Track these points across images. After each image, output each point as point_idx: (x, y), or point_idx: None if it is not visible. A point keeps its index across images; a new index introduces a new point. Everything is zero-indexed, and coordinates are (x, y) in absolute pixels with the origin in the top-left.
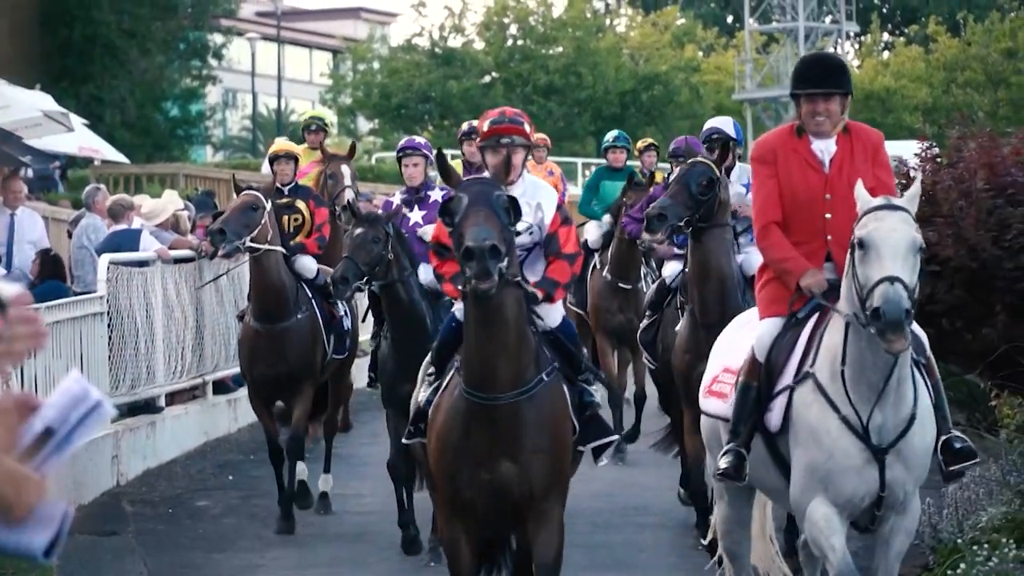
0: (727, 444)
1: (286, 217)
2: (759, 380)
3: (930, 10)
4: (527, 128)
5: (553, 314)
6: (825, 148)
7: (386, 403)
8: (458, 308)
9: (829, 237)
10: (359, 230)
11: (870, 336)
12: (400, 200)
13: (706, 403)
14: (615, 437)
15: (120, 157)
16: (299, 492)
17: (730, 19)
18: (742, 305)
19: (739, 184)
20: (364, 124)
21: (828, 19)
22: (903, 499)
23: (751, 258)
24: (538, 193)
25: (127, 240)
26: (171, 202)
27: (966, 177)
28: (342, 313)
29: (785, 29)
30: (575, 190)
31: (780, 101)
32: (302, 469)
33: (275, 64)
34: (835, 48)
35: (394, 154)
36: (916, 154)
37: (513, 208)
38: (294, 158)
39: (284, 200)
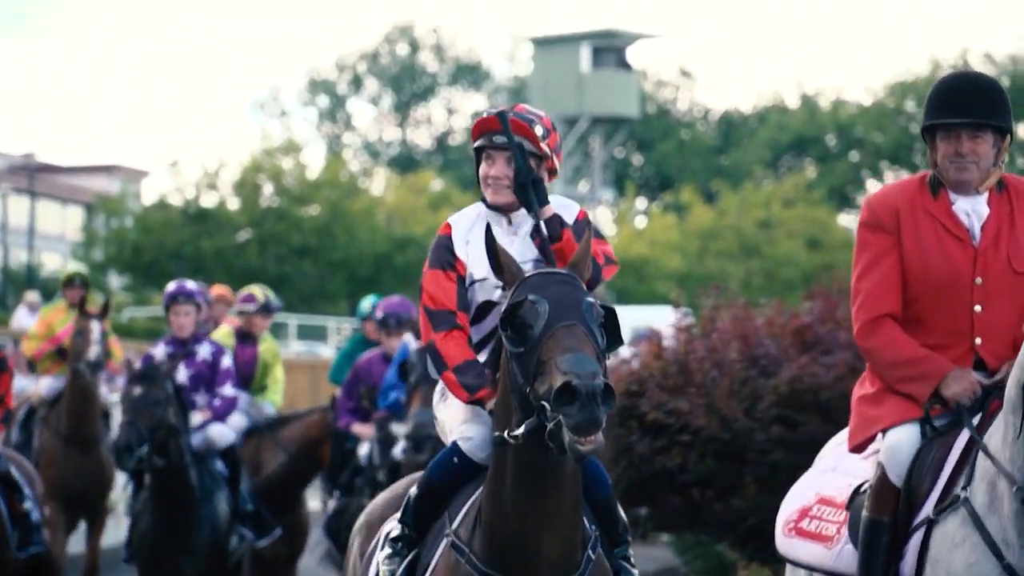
0: None
1: None
2: (894, 513)
3: (685, 178)
4: (538, 131)
5: None
6: (973, 209)
7: None
8: (468, 440)
9: (978, 340)
10: (138, 390)
11: None
12: (164, 354)
13: (791, 547)
14: None
15: None
16: None
17: None
18: None
19: None
20: (116, 280)
21: (584, 184)
22: None
23: None
24: (564, 214)
25: None
26: None
27: (719, 347)
28: (28, 506)
29: None
30: (327, 351)
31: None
32: None
33: (27, 217)
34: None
35: (146, 311)
36: (672, 325)
37: (609, 326)
38: None
39: None
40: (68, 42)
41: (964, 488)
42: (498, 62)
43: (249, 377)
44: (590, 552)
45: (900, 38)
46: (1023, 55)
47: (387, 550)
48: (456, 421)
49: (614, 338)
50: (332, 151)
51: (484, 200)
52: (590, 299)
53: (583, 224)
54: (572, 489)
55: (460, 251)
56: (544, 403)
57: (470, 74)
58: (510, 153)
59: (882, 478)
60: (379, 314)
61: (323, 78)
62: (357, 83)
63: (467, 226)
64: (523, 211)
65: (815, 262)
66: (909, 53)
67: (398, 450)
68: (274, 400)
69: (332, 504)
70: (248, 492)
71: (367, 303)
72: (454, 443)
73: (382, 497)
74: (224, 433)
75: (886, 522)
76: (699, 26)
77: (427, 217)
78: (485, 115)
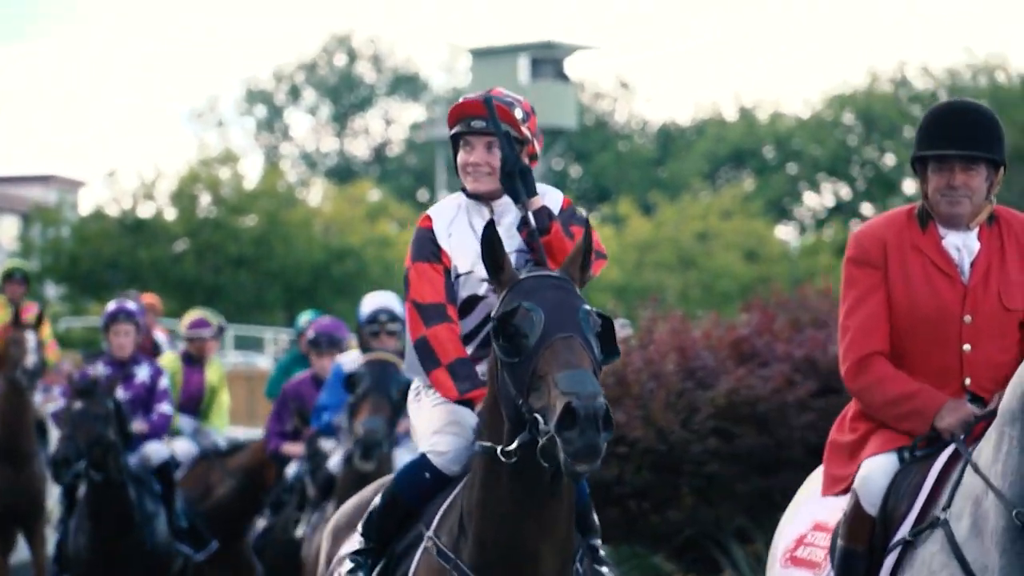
0: None
1: None
2: (869, 542)
3: (623, 190)
4: (518, 114)
5: None
6: (963, 244)
7: None
8: (441, 455)
9: (968, 380)
10: (79, 404)
11: None
12: (102, 374)
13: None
14: None
15: None
16: None
17: (425, 195)
18: None
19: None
20: (53, 290)
21: None
22: None
23: None
24: (548, 203)
25: None
26: None
27: (656, 359)
28: None
29: None
30: (264, 362)
31: None
32: None
33: None
34: None
35: (83, 321)
36: None
37: (606, 335)
38: None
39: None
40: (4, 53)
41: (944, 509)
42: (436, 73)
43: (198, 400)
44: (578, 564)
45: (838, 51)
46: (961, 68)
47: (348, 564)
48: (427, 429)
49: (610, 348)
50: (269, 161)
51: (464, 189)
52: (587, 307)
53: (568, 213)
54: (567, 498)
55: (443, 243)
56: (537, 416)
57: (408, 85)
58: (490, 139)
59: (856, 507)
60: (310, 334)
61: (260, 88)
62: (295, 93)
63: (449, 218)
64: (505, 199)
65: (752, 274)
66: (847, 66)
67: (333, 463)
68: (218, 425)
69: (261, 522)
70: (182, 509)
71: (304, 318)
72: (423, 456)
73: (351, 503)
74: (158, 450)
75: (861, 551)
76: (637, 38)
77: (364, 228)
78: (463, 100)
